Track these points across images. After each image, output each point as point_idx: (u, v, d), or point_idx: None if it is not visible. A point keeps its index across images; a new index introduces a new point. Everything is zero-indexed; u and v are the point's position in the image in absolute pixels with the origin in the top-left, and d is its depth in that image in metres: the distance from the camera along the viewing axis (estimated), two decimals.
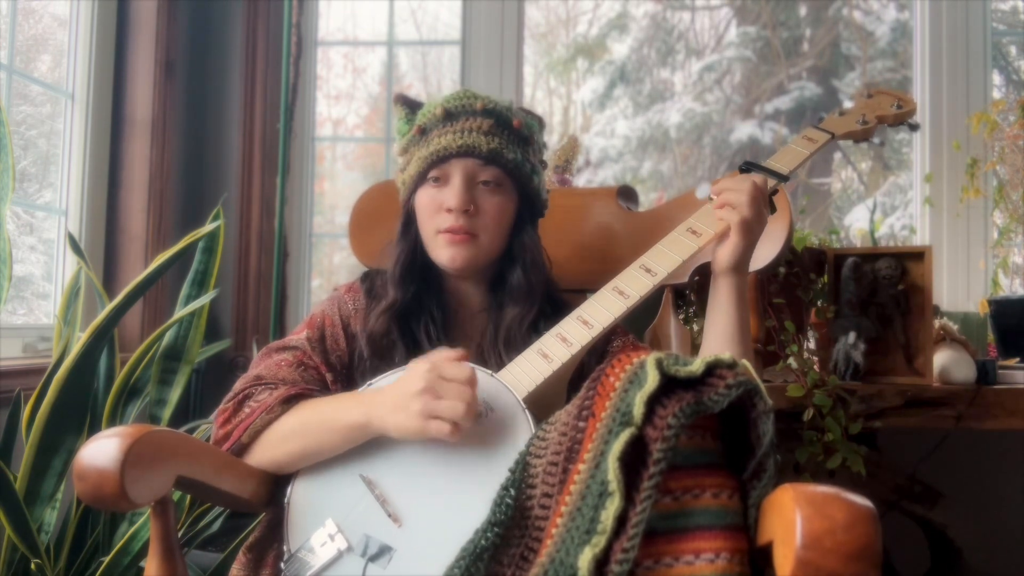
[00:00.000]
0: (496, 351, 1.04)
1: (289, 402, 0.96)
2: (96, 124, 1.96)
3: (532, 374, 0.93)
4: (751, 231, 0.98)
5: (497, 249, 1.07)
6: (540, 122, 1.14)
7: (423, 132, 1.06)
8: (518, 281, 1.06)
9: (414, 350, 1.02)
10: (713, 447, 0.69)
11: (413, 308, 1.07)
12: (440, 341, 1.04)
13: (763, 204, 0.99)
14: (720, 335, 0.99)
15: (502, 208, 1.05)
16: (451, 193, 1.02)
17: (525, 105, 1.75)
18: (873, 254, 1.51)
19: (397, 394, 0.87)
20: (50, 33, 1.93)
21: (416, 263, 1.08)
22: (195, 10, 2.20)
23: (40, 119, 1.89)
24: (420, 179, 1.06)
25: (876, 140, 1.20)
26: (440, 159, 1.03)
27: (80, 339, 1.29)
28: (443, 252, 1.04)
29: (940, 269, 2.03)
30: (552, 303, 1.09)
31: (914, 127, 1.21)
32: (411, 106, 1.10)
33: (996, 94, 2.12)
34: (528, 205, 1.09)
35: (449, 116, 1.04)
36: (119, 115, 2.02)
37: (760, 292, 1.42)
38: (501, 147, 1.03)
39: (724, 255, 0.99)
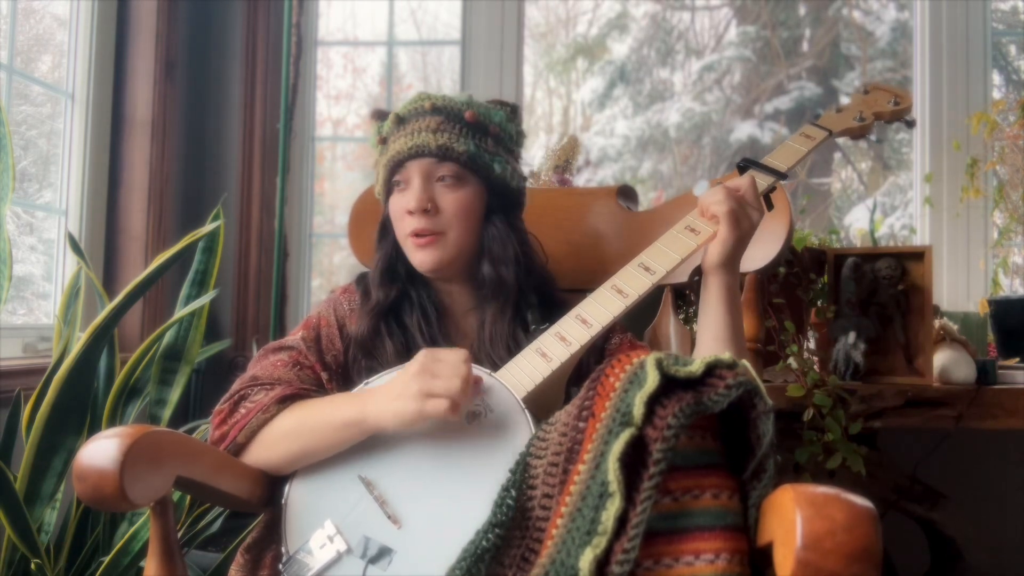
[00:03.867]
0: (485, 350, 1.04)
1: (285, 402, 0.96)
2: (96, 124, 1.96)
3: (531, 374, 0.93)
4: (738, 222, 0.96)
5: (468, 245, 1.07)
6: (510, 111, 1.12)
7: (384, 142, 1.09)
8: (488, 274, 1.06)
9: (406, 347, 1.03)
10: (713, 447, 0.69)
11: (402, 304, 1.07)
12: (435, 339, 1.04)
13: (746, 200, 0.98)
14: (713, 338, 0.98)
15: (463, 203, 1.05)
16: (410, 195, 1.04)
17: (525, 105, 1.74)
18: (873, 254, 1.51)
19: (395, 383, 0.88)
20: (50, 33, 1.92)
21: (395, 266, 1.09)
22: (195, 10, 2.20)
23: (40, 119, 1.89)
24: (387, 186, 1.09)
25: (874, 137, 1.20)
26: (396, 164, 1.06)
27: (80, 339, 1.29)
28: (414, 257, 1.06)
29: (940, 269, 2.03)
30: (539, 295, 1.08)
31: (910, 123, 1.21)
32: (381, 119, 1.12)
33: (996, 94, 2.12)
34: (496, 196, 1.08)
35: (401, 121, 1.07)
36: (119, 115, 2.02)
37: (760, 292, 1.42)
38: (451, 141, 1.04)
39: (713, 250, 0.98)
